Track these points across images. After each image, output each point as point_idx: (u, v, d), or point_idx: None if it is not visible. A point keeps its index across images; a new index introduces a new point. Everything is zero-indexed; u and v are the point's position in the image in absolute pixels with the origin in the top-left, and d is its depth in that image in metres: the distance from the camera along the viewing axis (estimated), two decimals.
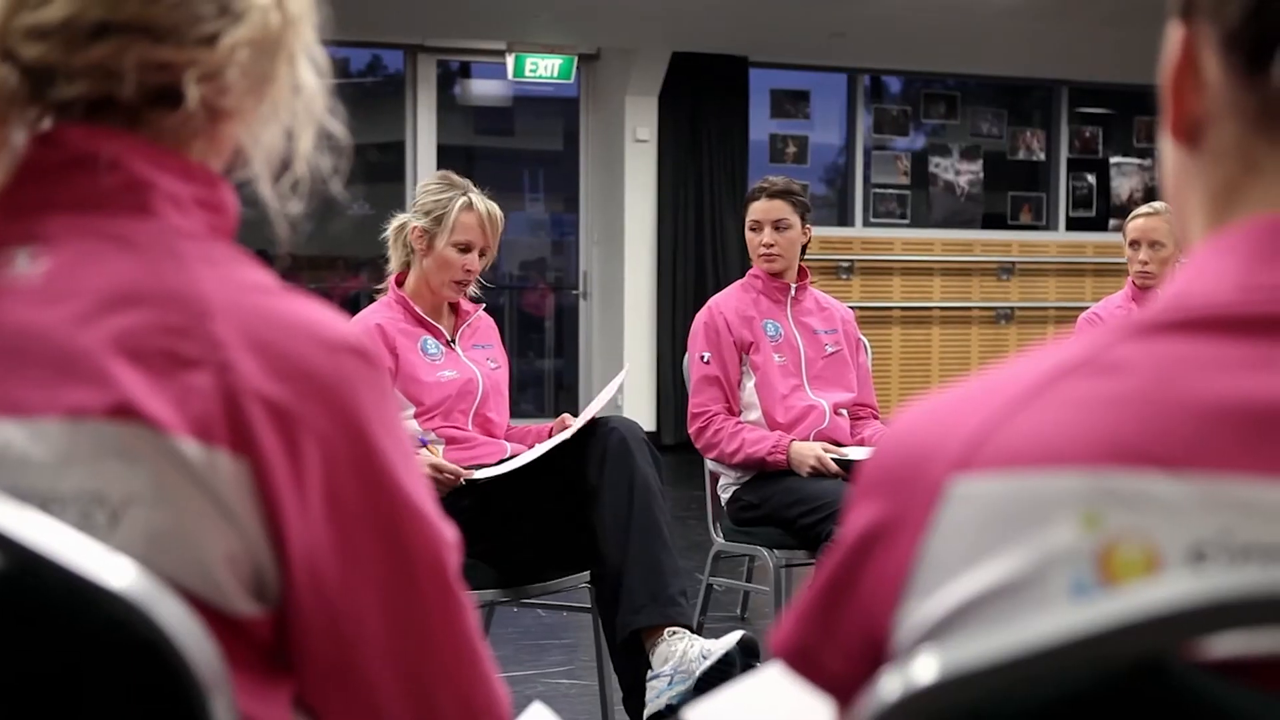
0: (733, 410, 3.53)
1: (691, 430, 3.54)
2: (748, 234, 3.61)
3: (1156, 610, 0.57)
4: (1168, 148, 0.76)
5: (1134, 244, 3.91)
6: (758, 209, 3.58)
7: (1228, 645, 0.59)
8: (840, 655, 0.74)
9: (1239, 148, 0.71)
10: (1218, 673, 0.59)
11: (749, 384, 3.54)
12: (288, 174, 0.99)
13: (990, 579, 0.65)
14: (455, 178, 3.11)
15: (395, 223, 3.14)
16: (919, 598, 0.68)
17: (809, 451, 3.36)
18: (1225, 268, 0.68)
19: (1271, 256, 0.67)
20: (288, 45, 0.97)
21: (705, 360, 3.54)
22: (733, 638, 2.62)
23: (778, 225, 3.55)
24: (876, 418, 3.71)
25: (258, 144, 0.98)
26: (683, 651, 2.60)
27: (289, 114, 0.98)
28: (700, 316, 3.62)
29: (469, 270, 3.04)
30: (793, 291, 3.61)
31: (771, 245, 3.55)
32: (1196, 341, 0.66)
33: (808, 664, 0.76)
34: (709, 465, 3.62)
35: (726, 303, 3.60)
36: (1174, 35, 0.74)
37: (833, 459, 3.33)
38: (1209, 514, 0.62)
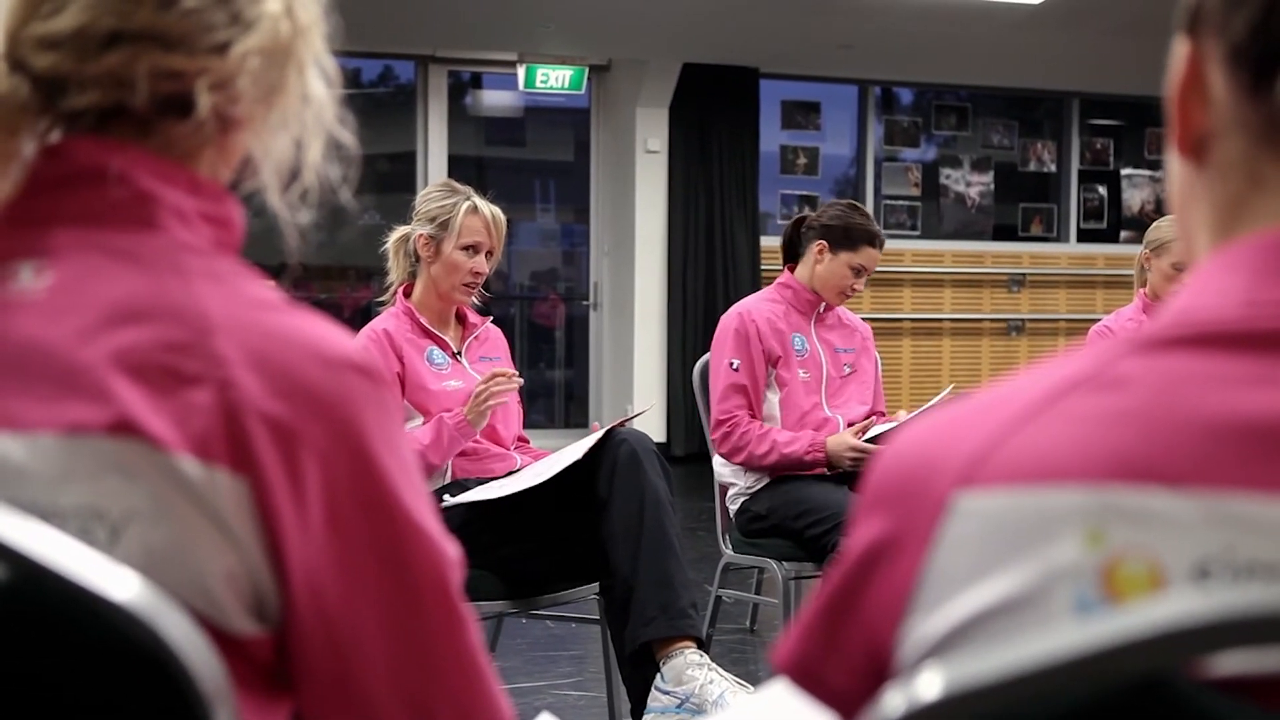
0: (756, 418, 3.50)
1: (716, 435, 3.48)
2: (842, 271, 3.52)
3: (1161, 628, 0.56)
4: (1174, 162, 0.76)
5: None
6: (871, 258, 3.52)
7: (1231, 663, 0.59)
8: (844, 670, 0.73)
9: (1245, 163, 0.71)
10: (1221, 691, 0.59)
11: (773, 398, 3.51)
12: (297, 183, 0.99)
13: (994, 595, 0.65)
14: (457, 185, 3.13)
15: (396, 235, 3.15)
16: (923, 613, 0.68)
17: (843, 444, 3.36)
18: (1230, 283, 0.68)
19: (1277, 272, 0.67)
20: (298, 54, 0.97)
21: (734, 368, 3.49)
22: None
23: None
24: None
25: (267, 154, 0.98)
26: (701, 684, 2.59)
27: (298, 123, 0.98)
28: (729, 321, 3.54)
29: (477, 273, 3.06)
30: (820, 308, 3.59)
31: (856, 289, 3.56)
32: (1201, 357, 0.65)
33: (811, 679, 0.76)
34: (718, 477, 3.60)
35: (758, 311, 3.54)
36: (1180, 50, 0.74)
37: (867, 439, 3.34)
38: (1213, 531, 0.62)
